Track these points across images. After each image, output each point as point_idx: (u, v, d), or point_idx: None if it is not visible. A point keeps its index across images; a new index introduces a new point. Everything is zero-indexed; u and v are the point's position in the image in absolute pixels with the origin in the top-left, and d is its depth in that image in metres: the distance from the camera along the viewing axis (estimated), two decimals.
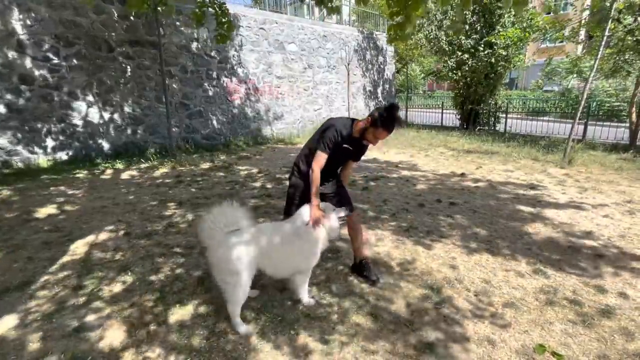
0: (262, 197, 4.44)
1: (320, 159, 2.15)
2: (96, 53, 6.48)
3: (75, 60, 6.27)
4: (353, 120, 2.31)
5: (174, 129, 7.58)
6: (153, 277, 2.55)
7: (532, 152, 7.14)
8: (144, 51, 7.04)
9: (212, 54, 8.13)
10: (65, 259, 2.82)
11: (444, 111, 12.39)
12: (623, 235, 3.31)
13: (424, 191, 4.71)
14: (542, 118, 11.39)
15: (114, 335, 1.96)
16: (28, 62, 5.82)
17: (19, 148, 5.85)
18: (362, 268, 2.53)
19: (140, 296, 2.32)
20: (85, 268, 2.68)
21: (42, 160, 6.05)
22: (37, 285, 2.44)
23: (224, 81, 8.43)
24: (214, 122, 8.43)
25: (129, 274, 2.60)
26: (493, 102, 11.07)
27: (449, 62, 10.55)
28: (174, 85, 7.55)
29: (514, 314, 2.17)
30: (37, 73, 5.91)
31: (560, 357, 1.82)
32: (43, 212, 3.87)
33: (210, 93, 8.24)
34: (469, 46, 9.98)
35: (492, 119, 11.19)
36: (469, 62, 9.94)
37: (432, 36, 10.77)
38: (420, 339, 1.94)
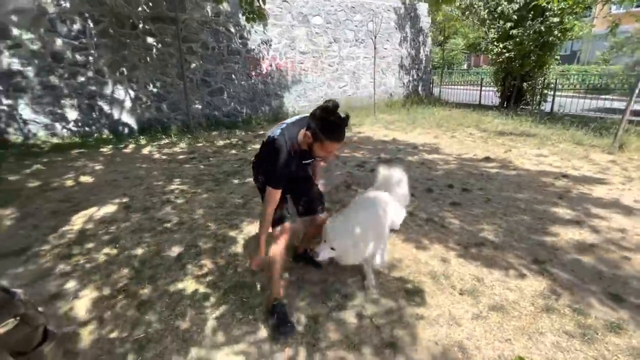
0: None
1: (273, 199, 1.77)
2: (121, 30, 6.65)
3: (101, 39, 6.49)
4: (299, 125, 1.79)
5: (196, 106, 7.72)
6: (135, 252, 2.61)
7: (577, 135, 6.29)
8: (165, 28, 7.10)
9: (233, 30, 8.01)
10: (65, 228, 2.99)
11: (484, 89, 11.34)
12: None
13: (437, 175, 4.34)
14: (604, 97, 9.96)
15: (81, 307, 2.04)
16: (59, 41, 6.13)
17: (53, 123, 6.29)
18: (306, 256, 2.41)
19: (119, 269, 2.39)
20: (79, 238, 2.82)
21: (70, 135, 6.47)
22: (32, 252, 2.61)
23: (245, 57, 8.33)
24: (235, 98, 8.44)
25: (116, 246, 2.69)
26: (542, 79, 9.85)
27: (488, 33, 9.47)
28: (195, 62, 7.60)
29: (500, 319, 1.91)
30: (67, 51, 6.22)
31: None
32: (60, 183, 4.14)
33: (232, 70, 8.20)
34: (511, 12, 8.80)
35: (538, 97, 10.01)
36: (513, 32, 8.82)
37: (465, 4, 9.66)
38: (384, 340, 1.78)
